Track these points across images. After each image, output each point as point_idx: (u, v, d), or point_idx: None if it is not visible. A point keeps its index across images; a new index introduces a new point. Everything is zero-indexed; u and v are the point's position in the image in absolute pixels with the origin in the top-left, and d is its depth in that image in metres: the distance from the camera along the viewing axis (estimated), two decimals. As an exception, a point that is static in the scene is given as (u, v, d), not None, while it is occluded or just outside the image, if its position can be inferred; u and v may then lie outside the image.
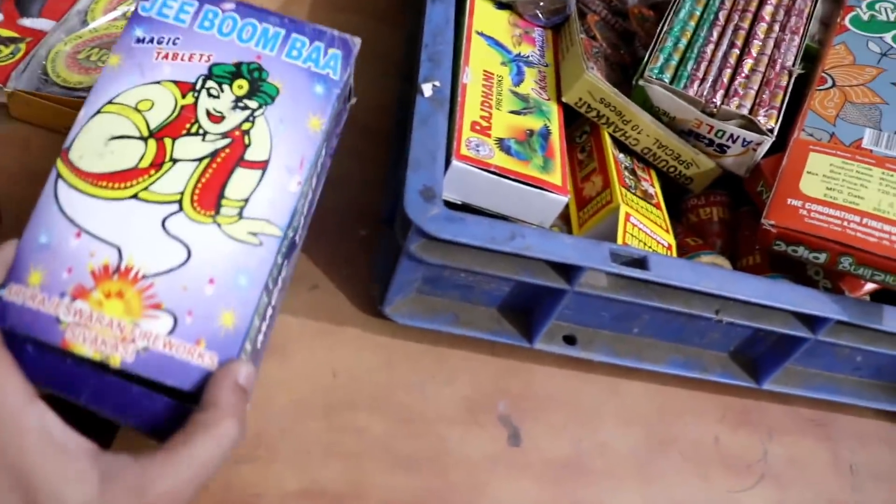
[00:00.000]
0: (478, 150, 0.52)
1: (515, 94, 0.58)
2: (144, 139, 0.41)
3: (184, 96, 0.43)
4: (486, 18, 0.64)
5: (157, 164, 0.41)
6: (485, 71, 0.58)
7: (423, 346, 0.55)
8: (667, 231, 0.58)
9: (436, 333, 0.55)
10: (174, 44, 0.44)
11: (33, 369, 0.36)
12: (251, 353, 0.41)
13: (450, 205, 0.54)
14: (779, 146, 0.60)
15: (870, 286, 0.61)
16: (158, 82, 0.43)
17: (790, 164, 0.58)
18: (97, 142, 0.41)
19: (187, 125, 0.42)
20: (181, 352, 0.37)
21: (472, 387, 0.55)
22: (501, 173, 0.52)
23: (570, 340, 0.56)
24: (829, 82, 0.64)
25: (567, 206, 0.58)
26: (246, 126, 0.42)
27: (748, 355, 0.61)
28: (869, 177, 0.56)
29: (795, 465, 0.60)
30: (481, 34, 0.62)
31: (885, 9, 0.69)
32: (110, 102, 0.42)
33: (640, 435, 0.56)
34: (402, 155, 0.51)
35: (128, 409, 0.38)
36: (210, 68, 0.43)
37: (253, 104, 0.43)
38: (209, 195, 0.40)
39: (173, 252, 0.39)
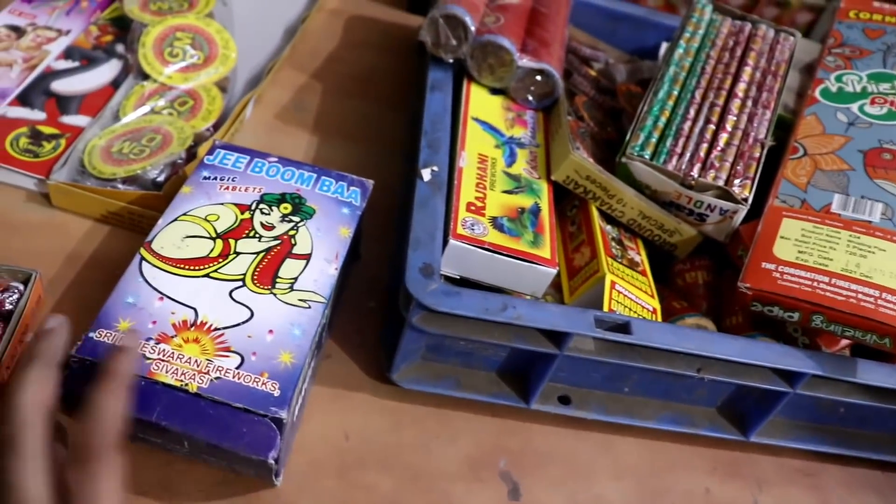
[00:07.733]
0: (473, 229, 0.57)
1: (508, 174, 0.63)
2: (213, 239, 0.54)
3: (242, 213, 0.56)
4: (481, 104, 0.70)
5: (224, 255, 0.53)
6: (479, 154, 0.64)
7: (429, 408, 0.59)
8: (652, 296, 0.62)
9: (440, 397, 0.59)
10: (233, 180, 0.58)
11: None
12: (290, 423, 0.48)
13: (450, 279, 0.59)
14: (757, 212, 0.64)
15: (846, 341, 0.64)
16: (222, 203, 0.56)
17: (765, 229, 0.63)
18: (175, 238, 0.53)
19: (246, 231, 0.55)
20: (248, 381, 0.46)
21: (475, 445, 0.58)
22: (495, 249, 0.56)
23: (564, 400, 0.60)
24: (801, 151, 0.69)
25: (559, 276, 0.63)
26: (291, 232, 0.55)
27: (735, 409, 0.63)
28: (837, 239, 0.60)
29: (785, 515, 0.62)
30: (477, 120, 0.67)
31: (852, 81, 0.74)
32: (185, 214, 0.55)
33: (633, 488, 0.59)
34: (405, 233, 0.55)
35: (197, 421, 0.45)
36: (261, 196, 0.57)
37: (296, 218, 0.56)
38: (266, 275, 0.52)
39: (239, 313, 0.49)
